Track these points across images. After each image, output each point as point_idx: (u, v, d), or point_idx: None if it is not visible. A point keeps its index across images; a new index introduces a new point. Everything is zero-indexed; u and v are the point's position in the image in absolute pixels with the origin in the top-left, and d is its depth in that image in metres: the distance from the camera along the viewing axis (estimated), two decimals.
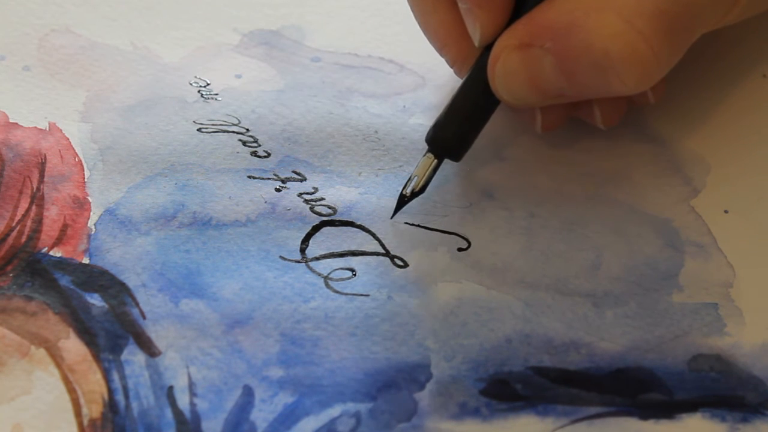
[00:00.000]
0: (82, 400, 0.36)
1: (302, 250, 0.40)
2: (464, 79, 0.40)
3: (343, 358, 0.37)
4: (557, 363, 0.37)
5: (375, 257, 0.40)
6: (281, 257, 0.39)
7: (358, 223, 0.41)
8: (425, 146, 0.40)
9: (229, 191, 0.41)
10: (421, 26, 0.42)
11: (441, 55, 0.42)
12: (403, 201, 0.41)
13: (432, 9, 0.41)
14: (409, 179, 0.40)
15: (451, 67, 0.42)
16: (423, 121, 0.44)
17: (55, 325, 0.37)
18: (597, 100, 0.41)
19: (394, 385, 0.36)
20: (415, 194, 0.41)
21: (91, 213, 0.40)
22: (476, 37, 0.39)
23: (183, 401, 0.36)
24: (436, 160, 0.40)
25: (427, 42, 0.42)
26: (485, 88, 0.39)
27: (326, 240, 0.40)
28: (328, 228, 0.40)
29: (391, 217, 0.41)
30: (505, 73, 0.39)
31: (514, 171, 0.42)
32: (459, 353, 0.37)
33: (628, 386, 0.37)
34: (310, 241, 0.40)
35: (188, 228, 0.40)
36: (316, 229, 0.40)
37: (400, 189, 0.41)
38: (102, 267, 0.39)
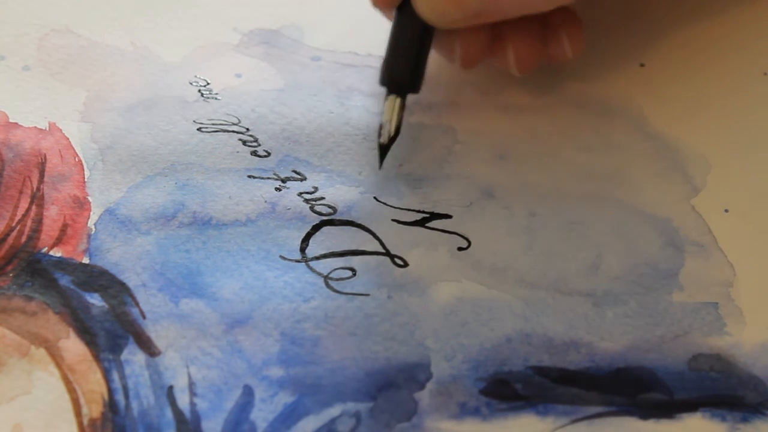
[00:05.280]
0: (82, 400, 0.36)
1: (302, 250, 0.40)
2: (395, 13, 0.41)
3: (343, 357, 0.37)
4: (557, 363, 0.37)
5: (375, 257, 0.40)
6: (281, 257, 0.39)
7: (358, 222, 0.41)
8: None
9: (229, 191, 0.41)
10: None
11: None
12: (385, 149, 0.41)
13: None
14: (380, 127, 0.41)
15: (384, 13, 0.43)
16: (423, 119, 0.44)
17: (55, 325, 0.37)
18: (512, 43, 0.41)
19: (394, 385, 0.36)
20: (392, 139, 0.41)
21: (91, 213, 0.40)
22: None
23: (183, 401, 0.36)
24: (399, 99, 0.41)
25: None
26: (416, 15, 0.40)
27: (326, 239, 0.40)
28: (328, 227, 0.40)
29: (379, 168, 0.41)
30: None
31: (514, 170, 0.42)
32: (459, 353, 0.37)
33: (628, 386, 0.37)
34: (310, 241, 0.40)
35: (188, 228, 0.40)
36: (316, 228, 0.40)
37: (377, 140, 0.41)
38: (102, 267, 0.39)
